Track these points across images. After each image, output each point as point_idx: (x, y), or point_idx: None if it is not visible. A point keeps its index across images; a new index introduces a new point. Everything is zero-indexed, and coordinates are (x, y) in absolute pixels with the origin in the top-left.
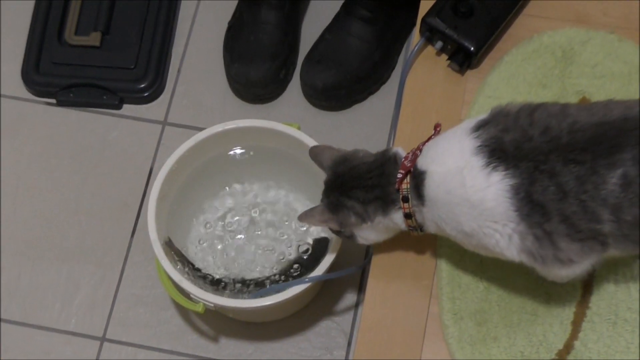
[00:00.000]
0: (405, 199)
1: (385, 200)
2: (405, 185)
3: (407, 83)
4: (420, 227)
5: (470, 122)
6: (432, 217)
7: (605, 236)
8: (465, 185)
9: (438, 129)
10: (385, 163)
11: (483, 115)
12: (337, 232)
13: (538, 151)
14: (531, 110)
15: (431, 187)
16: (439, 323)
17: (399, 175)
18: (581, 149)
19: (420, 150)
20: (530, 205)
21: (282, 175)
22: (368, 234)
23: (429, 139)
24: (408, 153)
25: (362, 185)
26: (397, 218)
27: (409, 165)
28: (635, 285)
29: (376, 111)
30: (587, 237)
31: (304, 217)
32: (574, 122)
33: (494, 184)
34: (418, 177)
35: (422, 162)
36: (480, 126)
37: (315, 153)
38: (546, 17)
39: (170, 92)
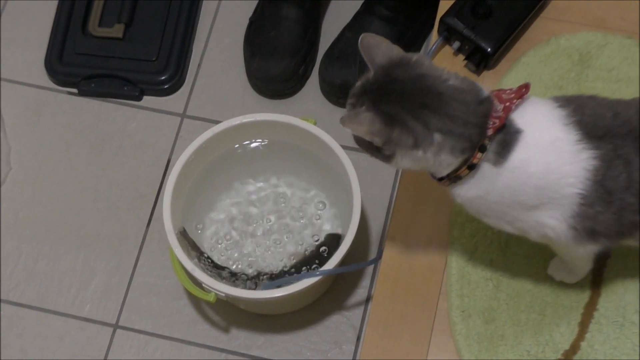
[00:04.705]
0: (483, 149)
1: (472, 142)
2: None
3: None
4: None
5: (549, 100)
6: (495, 180)
7: (638, 228)
8: (558, 157)
9: (525, 89)
10: (484, 102)
11: (552, 98)
12: (370, 148)
13: (614, 133)
14: (588, 96)
15: (523, 148)
16: (447, 319)
17: (492, 123)
18: None
19: (511, 103)
20: (602, 191)
21: (297, 170)
22: (411, 162)
23: (517, 95)
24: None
25: (445, 111)
26: (457, 161)
27: (503, 115)
28: None
29: None
30: (625, 230)
31: (349, 122)
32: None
33: (581, 160)
34: (511, 134)
35: (519, 120)
36: (561, 105)
37: (368, 43)
38: (564, 20)
39: (190, 85)
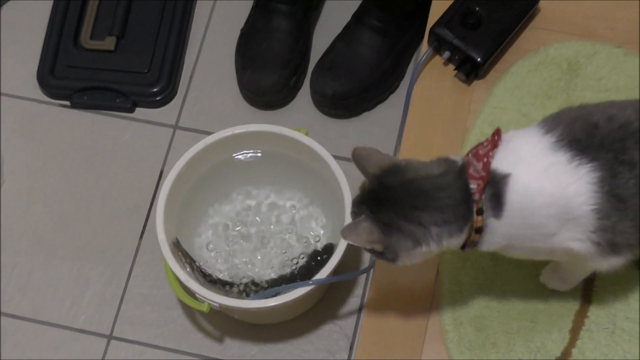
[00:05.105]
0: (481, 212)
1: (466, 218)
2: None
3: (414, 92)
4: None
5: (534, 128)
6: (506, 231)
7: None
8: (558, 182)
9: (498, 137)
10: (461, 173)
11: (538, 124)
12: (374, 252)
13: (612, 139)
14: (577, 107)
15: (518, 190)
16: (439, 327)
17: (474, 186)
18: None
19: (488, 158)
20: (613, 201)
21: (289, 180)
22: (417, 257)
23: (492, 146)
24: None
25: (433, 206)
26: (461, 237)
27: (484, 174)
28: (633, 295)
29: (384, 120)
30: None
31: (348, 234)
32: (638, 110)
33: (582, 176)
34: (499, 183)
35: (503, 165)
36: (548, 130)
37: (360, 156)
38: (553, 30)
39: (182, 96)
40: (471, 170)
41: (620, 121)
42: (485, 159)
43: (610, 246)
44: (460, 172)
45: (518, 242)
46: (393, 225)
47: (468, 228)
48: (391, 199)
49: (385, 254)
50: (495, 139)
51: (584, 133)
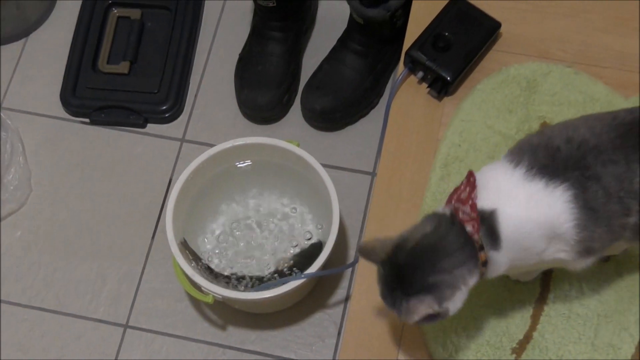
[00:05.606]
0: (482, 248)
1: (475, 256)
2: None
3: (392, 107)
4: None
5: (504, 163)
6: (507, 258)
7: (626, 228)
8: (541, 208)
9: (472, 178)
10: (454, 222)
11: (505, 158)
12: (429, 317)
13: (575, 159)
14: (536, 133)
15: (509, 223)
16: None
17: (470, 228)
18: (612, 149)
19: (473, 200)
20: (589, 213)
21: (283, 186)
22: (460, 300)
23: (471, 188)
24: (451, 206)
25: (444, 254)
26: (477, 273)
27: (474, 215)
28: (587, 284)
29: (366, 132)
30: (615, 236)
31: (407, 318)
32: (592, 127)
33: (559, 197)
34: (489, 219)
35: (486, 203)
36: (516, 163)
37: (366, 250)
38: (513, 52)
39: (188, 113)
40: (461, 215)
41: (578, 141)
42: (470, 201)
43: (588, 251)
44: (452, 219)
45: (515, 263)
46: (427, 284)
47: (479, 264)
48: (409, 271)
49: (439, 311)
50: (471, 180)
51: (549, 158)
